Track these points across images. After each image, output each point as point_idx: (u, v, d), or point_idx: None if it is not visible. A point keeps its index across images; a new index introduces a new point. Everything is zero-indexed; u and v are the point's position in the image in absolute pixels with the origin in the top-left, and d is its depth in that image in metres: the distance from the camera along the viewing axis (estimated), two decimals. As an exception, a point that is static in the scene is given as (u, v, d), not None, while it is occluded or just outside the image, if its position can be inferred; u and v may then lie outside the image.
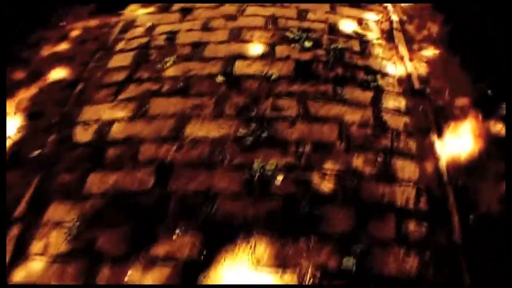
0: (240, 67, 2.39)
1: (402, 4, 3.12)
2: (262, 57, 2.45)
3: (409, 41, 2.76)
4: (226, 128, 2.09)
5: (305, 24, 2.70)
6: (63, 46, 2.84)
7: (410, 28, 2.87)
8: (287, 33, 2.60)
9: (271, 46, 2.52)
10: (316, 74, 2.34)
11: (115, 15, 3.02)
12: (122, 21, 2.93)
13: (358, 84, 2.33)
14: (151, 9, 3.00)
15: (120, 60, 2.59)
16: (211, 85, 2.30)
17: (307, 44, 2.50)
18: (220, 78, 2.32)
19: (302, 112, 2.14)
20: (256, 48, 2.50)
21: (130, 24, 2.88)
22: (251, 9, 2.84)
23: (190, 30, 2.70)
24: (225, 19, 2.75)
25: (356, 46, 2.58)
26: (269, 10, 2.82)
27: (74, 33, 2.95)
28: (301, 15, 2.80)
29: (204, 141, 2.04)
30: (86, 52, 2.76)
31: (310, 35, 2.60)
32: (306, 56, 2.46)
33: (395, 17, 2.88)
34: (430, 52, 2.69)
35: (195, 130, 2.09)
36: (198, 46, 2.55)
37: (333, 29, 2.70)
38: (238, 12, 2.82)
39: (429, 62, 2.62)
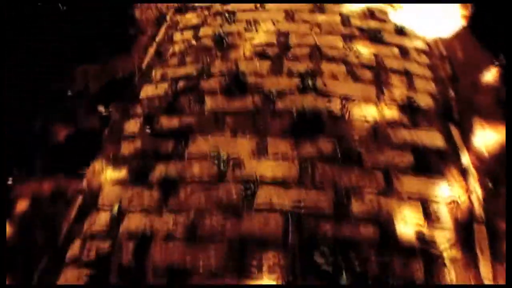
0: None
1: (478, 152, 2.11)
2: (276, 316, 1.55)
3: (494, 237, 1.78)
4: None
5: (345, 231, 1.76)
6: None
7: (493, 208, 1.88)
8: (316, 257, 1.67)
9: (291, 289, 1.61)
10: None
11: (75, 177, 2.18)
12: (81, 194, 2.08)
13: None
14: (122, 173, 2.12)
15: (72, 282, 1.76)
16: None
17: (344, 281, 1.58)
18: None
19: None
20: (267, 292, 1.60)
21: (92, 203, 2.03)
22: (264, 192, 1.90)
23: (170, 239, 1.81)
24: (224, 214, 1.85)
25: (419, 273, 1.63)
26: (289, 195, 1.89)
27: (20, 207, 2.13)
28: (338, 205, 1.84)
29: None
30: (30, 254, 1.95)
31: (350, 261, 1.66)
32: (347, 315, 1.54)
33: (477, 188, 1.89)
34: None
35: None
36: (179, 280, 1.68)
37: (385, 236, 1.74)
38: (243, 198, 1.90)
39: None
